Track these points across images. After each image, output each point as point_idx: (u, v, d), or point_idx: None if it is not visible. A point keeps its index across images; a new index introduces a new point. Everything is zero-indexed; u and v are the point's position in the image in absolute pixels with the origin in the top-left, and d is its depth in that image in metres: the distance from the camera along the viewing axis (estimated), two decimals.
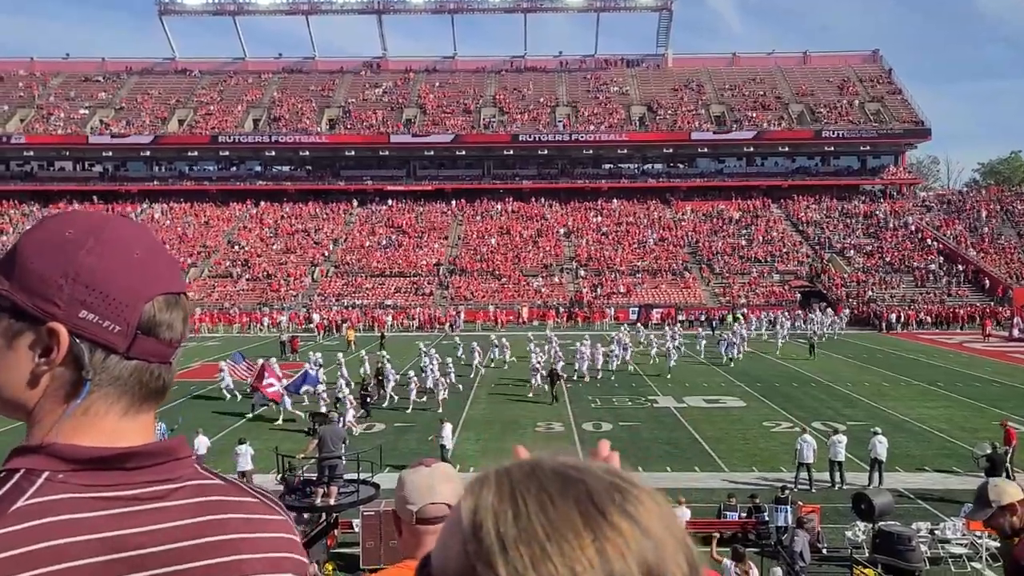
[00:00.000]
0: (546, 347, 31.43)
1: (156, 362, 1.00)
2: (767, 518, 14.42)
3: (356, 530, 13.98)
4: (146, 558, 0.92)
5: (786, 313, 47.85)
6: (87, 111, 74.11)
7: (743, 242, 62.13)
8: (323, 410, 19.73)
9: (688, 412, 24.38)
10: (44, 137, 70.67)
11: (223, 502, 1.01)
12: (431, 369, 26.27)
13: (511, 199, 70.51)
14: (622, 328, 40.36)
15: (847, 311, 49.67)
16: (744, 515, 14.66)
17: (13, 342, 0.95)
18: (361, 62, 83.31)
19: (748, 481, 17.13)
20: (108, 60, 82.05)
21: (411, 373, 25.53)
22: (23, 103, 75.06)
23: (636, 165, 73.31)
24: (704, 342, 36.93)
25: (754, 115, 72.33)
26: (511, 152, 71.54)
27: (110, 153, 71.52)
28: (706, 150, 71.44)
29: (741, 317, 47.86)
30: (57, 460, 0.92)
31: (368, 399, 24.10)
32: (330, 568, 12.65)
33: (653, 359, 34.39)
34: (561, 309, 52.84)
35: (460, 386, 27.28)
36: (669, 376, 30.75)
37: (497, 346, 34.08)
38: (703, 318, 48.84)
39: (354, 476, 14.43)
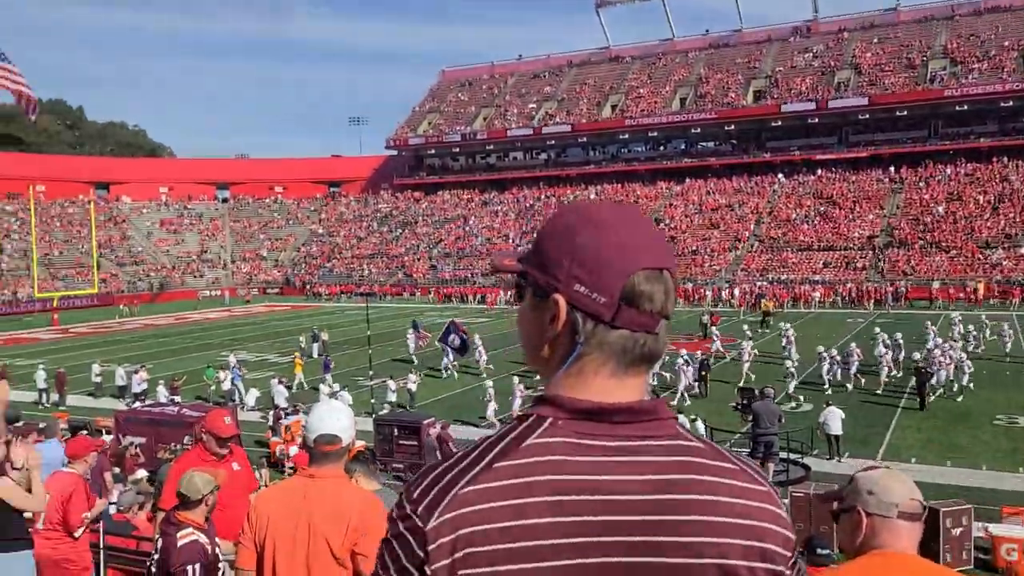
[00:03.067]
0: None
1: (640, 331, 1.09)
2: None
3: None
4: (621, 503, 1.03)
5: None
6: (535, 105, 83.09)
7: None
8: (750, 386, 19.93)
9: None
10: (500, 132, 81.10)
11: (702, 464, 1.08)
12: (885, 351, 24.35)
13: (963, 161, 62.21)
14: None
15: None
16: None
17: (535, 311, 1.14)
18: (789, 28, 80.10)
19: None
20: (552, 56, 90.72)
21: (882, 351, 24.13)
22: (486, 103, 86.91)
23: None
24: None
25: None
26: (964, 107, 62.89)
27: (553, 141, 79.48)
28: None
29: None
30: (559, 409, 1.09)
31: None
32: None
33: None
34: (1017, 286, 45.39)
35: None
36: None
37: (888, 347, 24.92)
38: None
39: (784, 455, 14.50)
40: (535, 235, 1.18)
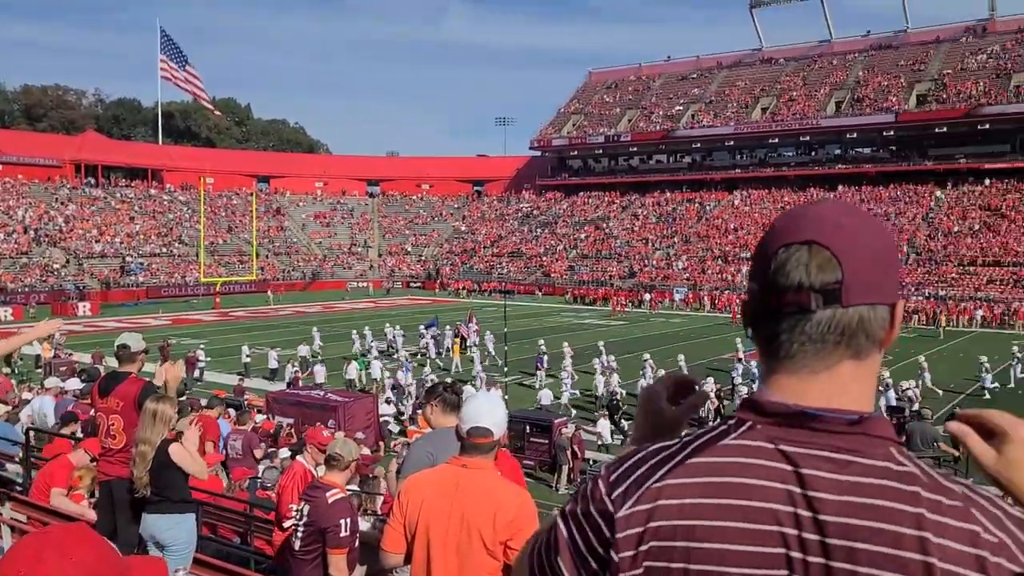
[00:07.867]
0: None
1: (791, 316, 1.01)
2: None
3: None
4: (810, 521, 0.95)
5: None
6: (681, 107, 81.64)
7: None
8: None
9: None
10: (644, 134, 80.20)
11: (914, 494, 0.93)
12: None
13: None
14: None
15: None
16: None
17: None
18: (962, 27, 74.75)
19: None
20: (702, 58, 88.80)
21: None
22: (631, 105, 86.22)
23: None
24: None
25: None
26: None
27: (698, 145, 77.79)
28: None
29: None
30: (755, 411, 1.04)
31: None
32: None
33: None
34: None
35: None
36: None
37: None
38: None
39: None
40: None
